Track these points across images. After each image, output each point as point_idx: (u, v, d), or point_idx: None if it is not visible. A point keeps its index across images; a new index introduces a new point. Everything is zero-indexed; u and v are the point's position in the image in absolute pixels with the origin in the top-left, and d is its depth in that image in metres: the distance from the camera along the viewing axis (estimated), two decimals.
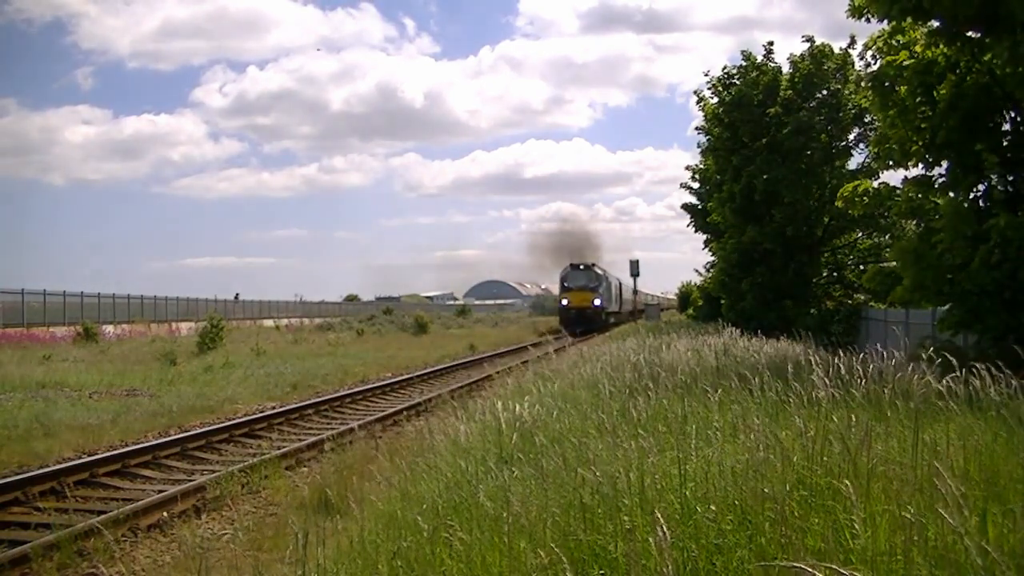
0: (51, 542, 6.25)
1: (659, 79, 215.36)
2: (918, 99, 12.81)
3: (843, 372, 6.14)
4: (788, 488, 3.95)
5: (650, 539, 3.04)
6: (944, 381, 5.38)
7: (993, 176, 12.65)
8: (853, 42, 24.75)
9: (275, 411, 13.82)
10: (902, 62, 12.76)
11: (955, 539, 2.96)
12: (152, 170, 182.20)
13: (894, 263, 13.97)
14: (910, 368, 5.98)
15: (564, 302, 48.83)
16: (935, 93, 12.54)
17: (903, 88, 12.90)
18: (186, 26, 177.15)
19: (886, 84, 13.06)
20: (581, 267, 50.46)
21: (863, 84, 16.64)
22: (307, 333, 43.53)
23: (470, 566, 3.86)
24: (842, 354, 7.60)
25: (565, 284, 49.95)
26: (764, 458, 4.22)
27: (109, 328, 36.60)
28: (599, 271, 50.72)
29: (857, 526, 3.30)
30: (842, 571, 2.56)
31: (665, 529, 2.93)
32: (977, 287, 11.31)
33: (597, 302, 47.99)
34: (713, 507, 3.84)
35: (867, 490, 3.77)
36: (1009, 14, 10.36)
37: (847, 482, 3.47)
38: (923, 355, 6.15)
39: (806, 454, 4.35)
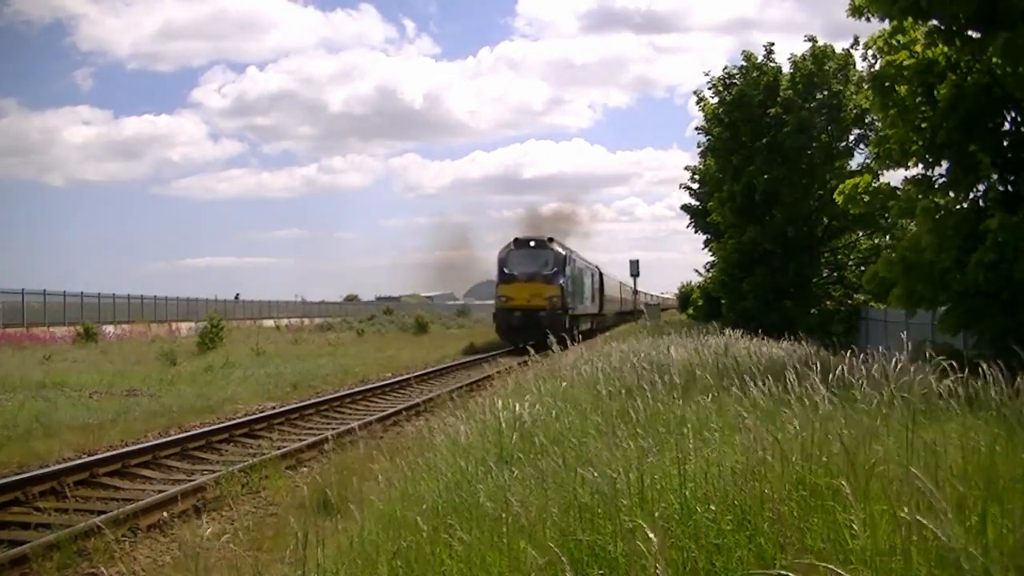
0: (51, 542, 6.25)
1: (658, 80, 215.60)
2: (918, 99, 12.81)
3: (842, 372, 6.13)
4: (787, 488, 3.95)
5: (649, 539, 3.04)
6: (942, 381, 5.39)
7: (993, 176, 12.66)
8: (856, 43, 24.80)
9: (275, 411, 13.82)
10: (902, 62, 12.77)
11: (954, 539, 2.95)
12: (152, 171, 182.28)
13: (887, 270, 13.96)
14: (911, 369, 5.98)
15: (503, 298, 31.66)
16: (935, 93, 12.55)
17: (903, 88, 12.90)
18: (186, 28, 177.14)
19: (886, 84, 13.06)
20: (531, 243, 32.77)
21: (864, 84, 16.66)
22: (307, 333, 43.54)
23: (470, 566, 3.86)
24: (843, 354, 7.59)
25: (505, 270, 32.20)
26: (763, 458, 4.23)
27: (109, 328, 36.62)
28: (559, 250, 32.98)
29: (856, 526, 3.30)
30: (840, 572, 2.55)
31: (660, 532, 2.93)
32: (972, 288, 11.30)
33: (555, 300, 31.19)
34: (713, 507, 3.84)
35: (866, 490, 3.77)
36: (1008, 9, 10.38)
37: (843, 482, 3.47)
38: (922, 355, 6.15)
39: (805, 454, 4.36)
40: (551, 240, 33.46)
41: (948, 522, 2.82)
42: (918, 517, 2.97)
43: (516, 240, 33.09)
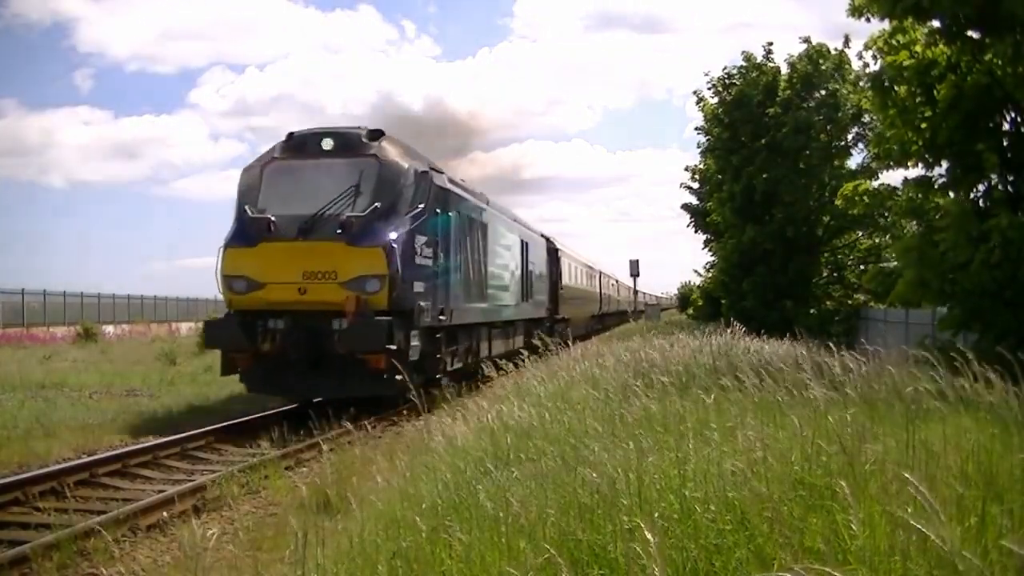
0: (51, 542, 6.25)
1: (658, 81, 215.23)
2: (918, 99, 12.84)
3: (839, 372, 6.15)
4: (786, 488, 3.96)
5: (649, 539, 3.04)
6: (941, 381, 5.39)
7: (993, 176, 12.69)
8: (847, 42, 24.86)
9: (275, 410, 13.81)
10: (902, 62, 12.79)
11: (948, 541, 2.96)
12: (152, 171, 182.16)
13: (895, 263, 14.03)
14: (907, 368, 5.99)
15: (237, 285, 11.76)
16: (935, 93, 12.57)
17: (903, 88, 12.92)
18: (185, 29, 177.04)
19: (885, 84, 13.09)
20: (323, 143, 12.28)
21: (863, 84, 16.71)
22: None
23: (469, 566, 3.86)
24: (844, 353, 7.60)
25: (248, 212, 11.89)
26: (762, 458, 4.23)
27: (109, 328, 36.64)
28: (399, 162, 12.20)
29: (855, 526, 3.30)
30: (836, 573, 2.56)
31: (656, 533, 2.93)
32: (977, 287, 11.33)
33: (379, 289, 11.26)
34: (712, 507, 3.84)
35: (865, 490, 3.78)
36: (1009, 14, 10.39)
37: (842, 482, 3.47)
38: (922, 354, 6.16)
39: (803, 454, 4.36)
40: (379, 136, 12.77)
41: (942, 524, 2.82)
42: (912, 520, 2.97)
43: (290, 138, 13.01)
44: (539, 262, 23.35)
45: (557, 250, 26.63)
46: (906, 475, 3.21)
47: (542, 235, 25.31)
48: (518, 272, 19.95)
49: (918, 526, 2.76)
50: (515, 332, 19.86)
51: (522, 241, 20.76)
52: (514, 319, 19.47)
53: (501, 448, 5.99)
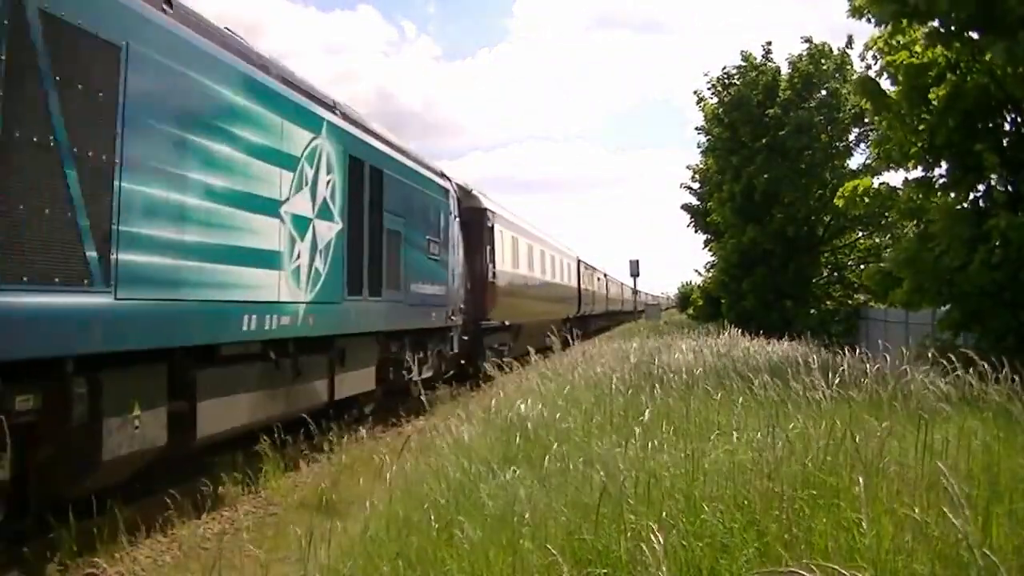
0: (51, 542, 6.22)
1: (658, 82, 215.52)
2: (917, 100, 12.82)
3: (844, 372, 6.14)
4: (794, 487, 3.94)
5: (652, 540, 3.03)
6: (944, 381, 5.39)
7: (993, 177, 12.67)
8: (850, 42, 24.82)
9: None
10: (901, 62, 12.79)
11: (958, 540, 2.95)
12: None
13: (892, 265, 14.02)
14: (909, 367, 5.99)
15: None
16: (932, 94, 12.57)
17: (900, 89, 12.93)
18: None
19: (877, 88, 13.13)
20: None
21: (854, 89, 16.72)
22: None
23: (474, 565, 3.84)
24: (846, 353, 7.60)
25: None
26: (769, 457, 4.22)
27: None
28: None
29: (864, 524, 3.29)
30: (844, 571, 2.55)
31: (662, 531, 2.92)
32: (977, 288, 11.32)
33: None
34: (720, 506, 3.83)
35: (874, 490, 3.76)
36: (1004, 14, 10.41)
37: (858, 479, 3.46)
38: (924, 354, 6.17)
39: (811, 454, 4.35)
40: None
41: (964, 518, 2.81)
42: (926, 519, 2.96)
43: None
44: (430, 222, 13.01)
45: (485, 211, 16.25)
46: (940, 465, 3.20)
47: (445, 175, 14.57)
48: (339, 227, 9.32)
49: (953, 523, 2.75)
50: (339, 364, 9.88)
51: (367, 166, 10.29)
52: (323, 335, 9.17)
53: (507, 445, 5.98)
